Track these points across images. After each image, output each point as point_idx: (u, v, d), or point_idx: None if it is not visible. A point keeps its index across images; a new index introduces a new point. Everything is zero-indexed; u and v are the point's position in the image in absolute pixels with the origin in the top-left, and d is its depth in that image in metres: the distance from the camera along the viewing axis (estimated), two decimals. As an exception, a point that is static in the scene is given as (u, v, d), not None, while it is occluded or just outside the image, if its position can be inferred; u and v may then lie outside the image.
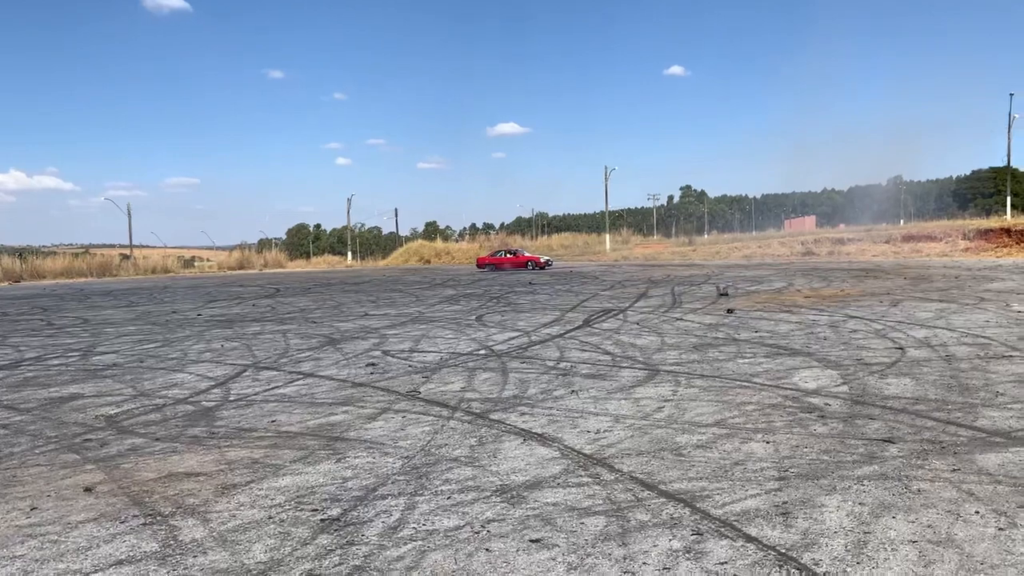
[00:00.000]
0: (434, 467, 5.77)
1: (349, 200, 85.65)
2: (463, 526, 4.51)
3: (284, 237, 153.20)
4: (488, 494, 5.07)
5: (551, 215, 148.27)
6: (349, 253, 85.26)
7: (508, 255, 47.14)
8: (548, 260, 47.05)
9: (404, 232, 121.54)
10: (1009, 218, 49.70)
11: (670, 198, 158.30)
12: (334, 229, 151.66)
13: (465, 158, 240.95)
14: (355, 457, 6.16)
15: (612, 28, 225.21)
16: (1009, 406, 7.04)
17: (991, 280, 22.63)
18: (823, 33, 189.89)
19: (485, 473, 5.55)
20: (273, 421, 7.59)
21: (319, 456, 6.24)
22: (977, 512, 4.44)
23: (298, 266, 76.16)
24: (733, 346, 11.55)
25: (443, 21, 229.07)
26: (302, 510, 4.92)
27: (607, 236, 72.10)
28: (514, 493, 5.07)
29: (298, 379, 10.07)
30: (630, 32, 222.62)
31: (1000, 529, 4.18)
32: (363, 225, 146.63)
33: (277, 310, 21.60)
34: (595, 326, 14.80)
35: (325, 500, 5.10)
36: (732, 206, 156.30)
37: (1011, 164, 57.89)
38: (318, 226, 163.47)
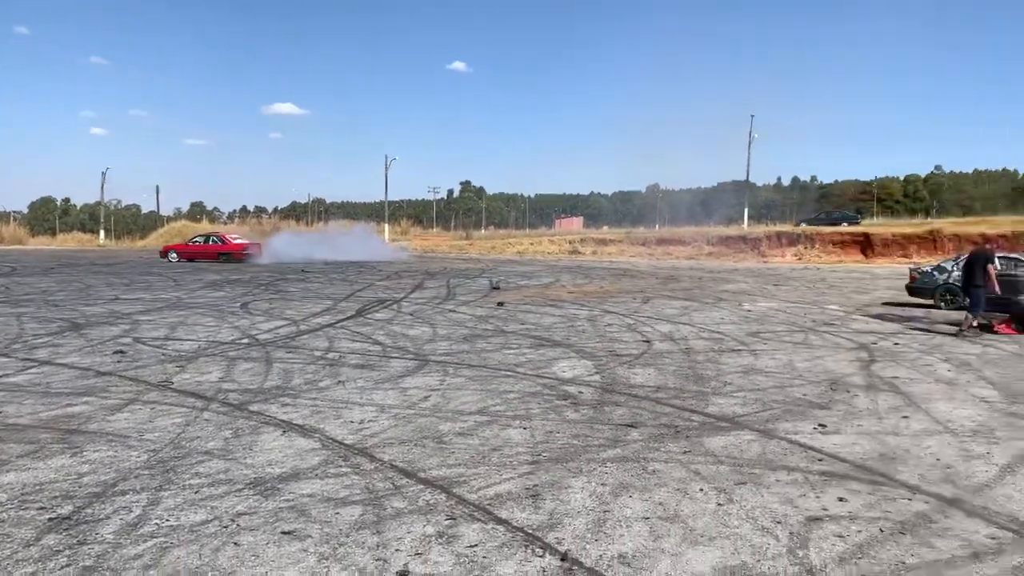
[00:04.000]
0: (183, 460, 5.46)
1: (104, 174, 78.28)
2: (211, 520, 4.32)
3: (26, 211, 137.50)
4: (241, 487, 4.89)
5: (329, 202, 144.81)
6: (102, 231, 78.00)
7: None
8: (247, 246, 37.05)
9: (167, 212, 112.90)
10: (746, 227, 55.47)
11: (450, 192, 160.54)
12: (86, 205, 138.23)
13: (238, 137, 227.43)
14: (94, 451, 5.69)
15: (395, 19, 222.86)
16: (734, 394, 7.87)
17: (728, 282, 25.15)
18: (603, 38, 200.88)
19: (239, 466, 5.33)
20: (-3, 414, 6.80)
21: (52, 450, 5.69)
22: (701, 490, 4.93)
23: (42, 243, 68.66)
24: (501, 337, 11.94)
25: None
26: (27, 509, 4.47)
27: (386, 226, 71.69)
28: (269, 485, 4.92)
29: (32, 367, 9.09)
30: (413, 24, 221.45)
31: (719, 504, 4.67)
32: (120, 202, 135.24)
33: (12, 291, 19.35)
34: (368, 316, 14.68)
35: (56, 498, 4.67)
36: (508, 204, 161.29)
37: (749, 179, 64.60)
38: (67, 200, 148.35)
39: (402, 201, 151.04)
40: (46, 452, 5.66)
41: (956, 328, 12.83)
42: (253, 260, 35.67)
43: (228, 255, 36.07)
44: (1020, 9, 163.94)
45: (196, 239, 38.61)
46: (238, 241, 37.98)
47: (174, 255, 36.55)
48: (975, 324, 12.73)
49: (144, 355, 10.03)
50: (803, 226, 52.00)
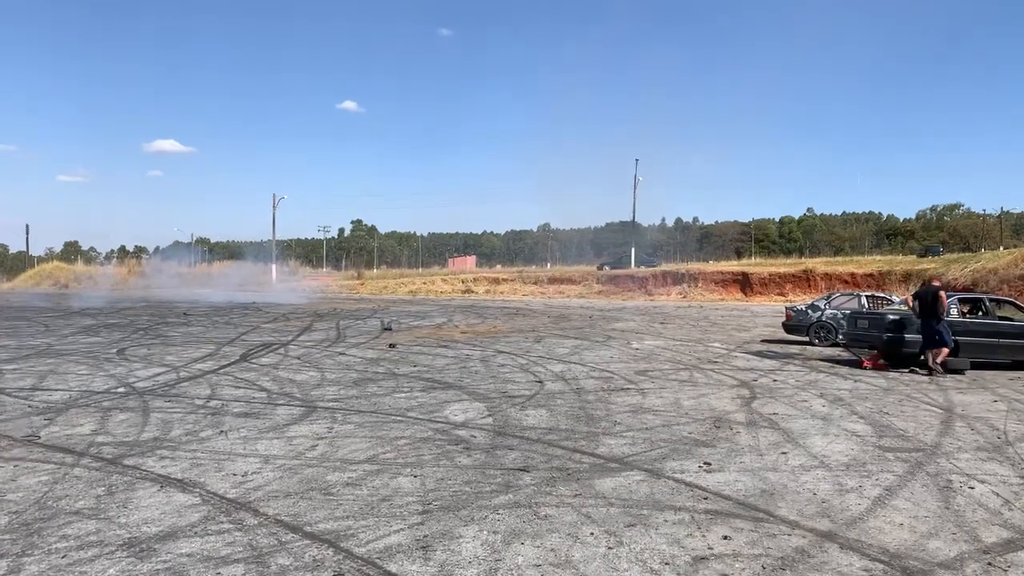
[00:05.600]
0: (50, 522, 5.10)
1: (-35, 212, 73.48)
2: (78, 589, 4.04)
3: None
4: (113, 549, 4.60)
5: (214, 241, 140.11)
6: (-38, 273, 73.02)
7: None
8: None
9: (38, 252, 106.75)
10: (633, 267, 57.06)
11: (341, 231, 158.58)
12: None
13: (116, 174, 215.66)
14: (-54, 517, 5.24)
15: (282, 56, 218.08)
16: (624, 434, 8.01)
17: (617, 320, 25.75)
18: (496, 81, 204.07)
19: (112, 526, 5.02)
20: None
21: None
22: (592, 533, 4.96)
23: None
24: (392, 380, 11.79)
25: (90, 15, 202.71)
26: None
27: (274, 266, 69.91)
28: (144, 546, 4.65)
29: None
30: (301, 62, 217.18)
31: (609, 548, 4.72)
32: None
33: None
34: (253, 361, 14.23)
35: (-102, 572, 4.26)
36: (401, 242, 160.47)
37: (636, 219, 66.74)
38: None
39: (291, 240, 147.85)
40: None
41: (927, 371, 12.91)
42: None
43: None
44: (879, 61, 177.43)
45: None
46: None
47: None
48: (938, 362, 12.93)
49: (8, 407, 9.36)
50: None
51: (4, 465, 6.63)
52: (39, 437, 7.74)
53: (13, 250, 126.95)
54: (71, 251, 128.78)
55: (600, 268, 56.36)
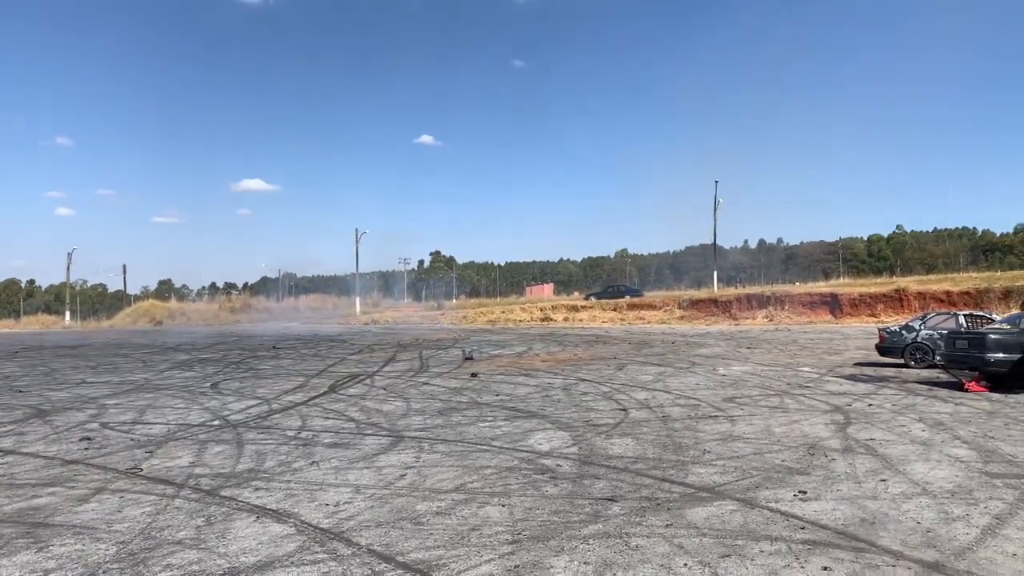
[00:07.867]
0: (154, 552, 5.29)
1: (70, 254, 77.82)
2: (183, 617, 4.16)
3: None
4: (214, 579, 4.73)
5: (299, 276, 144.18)
6: (68, 313, 77.00)
7: None
8: None
9: (134, 290, 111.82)
10: (716, 290, 56.08)
11: (420, 262, 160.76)
12: (51, 286, 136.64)
13: (206, 213, 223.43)
14: (60, 545, 5.50)
15: (359, 93, 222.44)
16: (714, 463, 7.83)
17: (701, 346, 25.30)
18: (569, 109, 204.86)
19: (212, 555, 5.18)
20: (-43, 509, 6.56)
21: (16, 546, 5.49)
22: (686, 565, 4.85)
23: (5, 327, 67.57)
24: (476, 410, 11.85)
25: (179, 64, 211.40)
26: (-13, 614, 4.28)
27: (357, 299, 71.52)
28: (243, 576, 4.77)
29: (-6, 458, 8.84)
30: (378, 99, 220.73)
31: (703, 578, 4.60)
32: (86, 282, 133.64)
33: (-27, 377, 18.91)
34: (341, 392, 14.53)
35: (18, 599, 4.48)
36: (479, 272, 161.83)
37: (717, 242, 65.68)
38: (31, 282, 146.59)
39: (373, 273, 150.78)
40: (10, 548, 5.46)
41: None
42: None
43: None
44: (968, 64, 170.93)
45: None
46: None
47: None
48: None
49: (112, 441, 9.79)
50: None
51: (111, 497, 6.92)
52: (141, 469, 8.06)
53: (112, 289, 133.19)
54: (165, 289, 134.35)
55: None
